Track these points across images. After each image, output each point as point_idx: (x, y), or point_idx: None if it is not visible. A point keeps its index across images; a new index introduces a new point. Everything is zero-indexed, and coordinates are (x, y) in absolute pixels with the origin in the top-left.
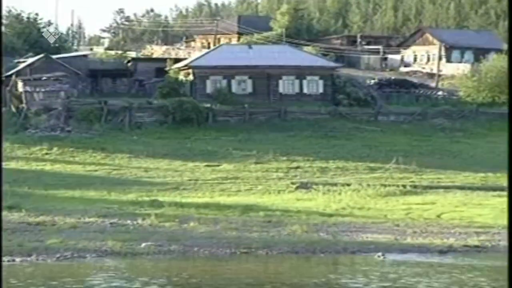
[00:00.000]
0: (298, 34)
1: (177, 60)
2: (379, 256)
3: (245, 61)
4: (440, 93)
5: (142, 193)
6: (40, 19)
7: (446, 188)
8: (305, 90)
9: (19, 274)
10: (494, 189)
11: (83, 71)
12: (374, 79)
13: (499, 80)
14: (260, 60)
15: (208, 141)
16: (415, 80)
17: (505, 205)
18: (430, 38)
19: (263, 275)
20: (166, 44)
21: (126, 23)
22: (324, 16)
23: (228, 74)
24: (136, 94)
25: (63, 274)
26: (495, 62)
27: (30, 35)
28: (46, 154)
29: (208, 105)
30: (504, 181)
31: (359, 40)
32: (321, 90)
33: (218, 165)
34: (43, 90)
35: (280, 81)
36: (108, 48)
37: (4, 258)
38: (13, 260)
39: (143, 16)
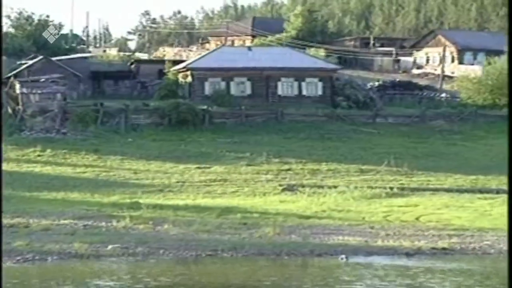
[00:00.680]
0: (311, 36)
1: (179, 62)
2: (342, 259)
3: (244, 63)
4: (443, 95)
5: (126, 195)
6: (51, 21)
7: (434, 190)
8: (304, 92)
9: None
10: (481, 191)
11: (84, 73)
12: (378, 81)
13: (500, 82)
14: (259, 62)
15: (203, 143)
16: (421, 82)
17: (486, 208)
18: (443, 39)
19: (207, 277)
20: (189, 46)
21: (153, 25)
22: (347, 18)
23: (227, 76)
24: (138, 96)
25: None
26: (496, 64)
27: (40, 37)
28: (39, 156)
29: (205, 107)
30: (493, 184)
31: (372, 42)
32: (320, 92)
33: (209, 167)
34: (39, 92)
35: (279, 83)
36: (120, 50)
37: None
38: None
39: (170, 18)
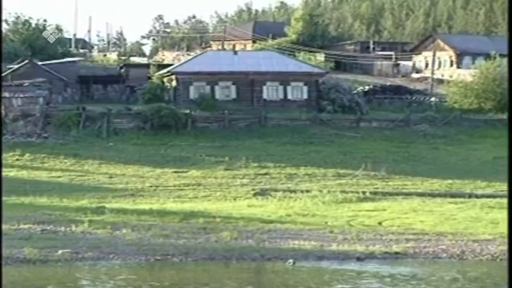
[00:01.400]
0: (312, 40)
1: (168, 66)
2: (289, 263)
3: (229, 67)
4: (433, 99)
5: (96, 199)
6: (49, 25)
7: (406, 194)
8: (289, 97)
9: None
10: (453, 196)
11: (72, 77)
12: (369, 85)
13: (485, 86)
14: (244, 66)
15: (184, 148)
16: (418, 87)
17: (453, 212)
18: (441, 44)
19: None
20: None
21: (167, 29)
22: (357, 22)
23: (212, 80)
24: (127, 101)
25: None
26: (481, 68)
27: (37, 41)
28: (17, 160)
29: (187, 111)
30: (468, 188)
31: (372, 46)
32: (305, 96)
33: (186, 171)
34: (21, 96)
35: (264, 87)
36: (123, 54)
37: None
38: None
39: (185, 22)
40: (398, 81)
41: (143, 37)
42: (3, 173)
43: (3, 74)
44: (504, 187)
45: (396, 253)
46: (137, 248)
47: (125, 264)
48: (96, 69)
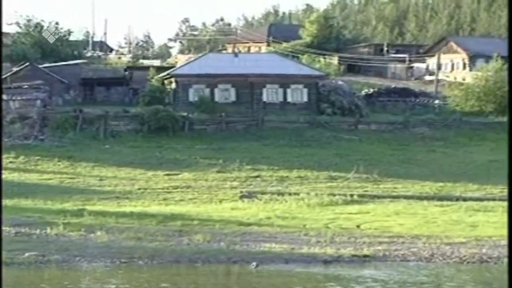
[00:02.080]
0: (326, 42)
1: (168, 69)
2: (253, 266)
3: (229, 69)
4: (436, 101)
5: (80, 202)
6: (61, 28)
7: (394, 197)
8: (289, 99)
9: None
10: (441, 199)
11: (75, 79)
12: (378, 87)
13: (487, 89)
14: (244, 69)
15: (180, 150)
16: (429, 89)
17: (436, 215)
18: (454, 46)
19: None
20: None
21: (194, 32)
22: (380, 24)
23: (211, 83)
24: (130, 103)
25: None
26: (483, 70)
27: (47, 44)
28: (11, 162)
29: (185, 113)
30: (458, 191)
31: (386, 48)
32: (305, 99)
33: (178, 174)
34: (19, 98)
35: (264, 90)
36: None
37: None
38: None
39: (213, 25)
40: (411, 83)
41: (170, 39)
42: None
43: (3, 77)
44: (495, 190)
45: (365, 256)
46: (105, 251)
47: (89, 266)
48: (101, 72)
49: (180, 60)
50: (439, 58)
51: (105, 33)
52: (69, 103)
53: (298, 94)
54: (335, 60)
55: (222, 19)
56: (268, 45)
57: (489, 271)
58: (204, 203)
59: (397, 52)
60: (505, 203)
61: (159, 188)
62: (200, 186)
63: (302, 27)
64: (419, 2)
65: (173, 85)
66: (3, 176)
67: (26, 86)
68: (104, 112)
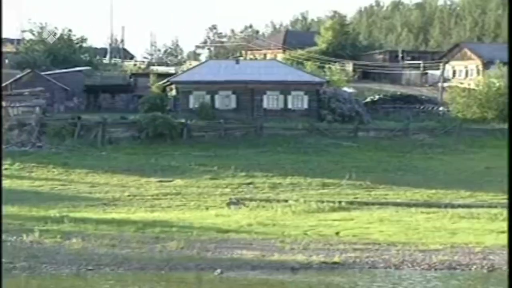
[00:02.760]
0: (342, 49)
1: (169, 76)
2: (217, 273)
3: (230, 76)
4: (441, 108)
5: (66, 208)
6: (74, 35)
7: (383, 204)
8: (289, 106)
9: None
10: (430, 205)
11: (78, 87)
12: (379, 94)
13: (489, 96)
14: (244, 76)
15: (176, 157)
16: (424, 96)
17: (420, 222)
18: (468, 53)
19: None
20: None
21: (222, 39)
22: (405, 31)
23: (212, 90)
24: (135, 110)
25: None
26: (485, 77)
27: (60, 51)
28: (5, 169)
29: (183, 120)
30: (448, 199)
31: (400, 55)
32: (306, 105)
33: (171, 181)
34: (18, 105)
35: (265, 97)
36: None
37: None
38: None
39: (241, 32)
40: (425, 90)
41: (197, 46)
42: None
43: (5, 83)
44: (486, 197)
45: (334, 263)
46: (74, 258)
47: (52, 274)
48: (107, 79)
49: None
50: (444, 65)
51: (122, 40)
52: (72, 110)
53: (299, 101)
54: (349, 66)
55: (251, 26)
56: (284, 52)
57: (455, 277)
58: (190, 210)
59: (413, 58)
60: (493, 210)
61: (148, 195)
62: (191, 193)
63: (318, 33)
64: (445, 8)
65: (173, 92)
66: None
67: (26, 93)
68: (102, 119)
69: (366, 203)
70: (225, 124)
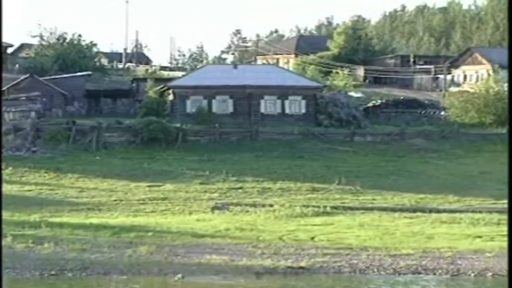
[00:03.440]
0: (354, 54)
1: (167, 80)
2: (177, 278)
3: (227, 81)
4: (443, 113)
5: (50, 213)
6: (83, 40)
7: (367, 209)
8: (287, 110)
9: None
10: (415, 210)
11: (79, 91)
12: (381, 99)
13: (487, 101)
14: (242, 80)
15: (169, 161)
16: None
17: (399, 227)
18: (479, 57)
19: None
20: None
21: (246, 44)
22: (426, 36)
23: (209, 94)
24: (136, 114)
25: None
26: (484, 82)
27: (69, 56)
28: None
29: (179, 125)
30: (436, 203)
31: (412, 60)
32: (303, 110)
33: (161, 185)
34: (13, 110)
35: (262, 101)
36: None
37: None
38: None
39: (267, 37)
40: (435, 95)
41: (222, 51)
42: None
43: (4, 88)
44: (474, 202)
45: (300, 267)
46: (41, 263)
47: (13, 279)
48: (108, 83)
49: None
50: (448, 70)
51: (136, 45)
52: (73, 115)
53: (296, 106)
54: (360, 71)
55: (276, 31)
56: (296, 57)
57: (415, 282)
58: (174, 215)
59: (424, 63)
60: (477, 215)
61: (135, 200)
62: (178, 198)
63: (330, 38)
64: (468, 13)
65: (170, 97)
66: None
67: (23, 98)
68: (97, 123)
69: (351, 208)
70: (220, 129)
